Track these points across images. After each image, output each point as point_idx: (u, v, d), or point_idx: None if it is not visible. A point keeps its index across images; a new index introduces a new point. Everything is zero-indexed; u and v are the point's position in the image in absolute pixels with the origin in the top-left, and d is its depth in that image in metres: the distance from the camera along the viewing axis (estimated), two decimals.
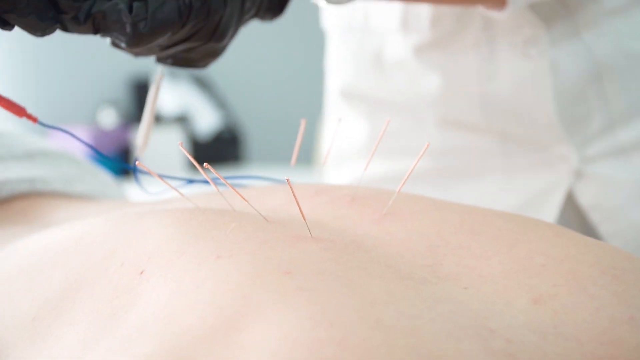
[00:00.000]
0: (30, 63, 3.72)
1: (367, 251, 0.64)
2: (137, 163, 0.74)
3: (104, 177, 1.23)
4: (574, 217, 1.24)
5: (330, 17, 1.37)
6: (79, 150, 3.35)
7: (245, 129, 4.03)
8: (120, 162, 3.64)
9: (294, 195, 0.64)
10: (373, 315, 0.53)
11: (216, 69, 4.14)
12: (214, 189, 0.76)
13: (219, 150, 3.86)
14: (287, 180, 0.64)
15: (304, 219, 0.65)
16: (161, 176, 0.74)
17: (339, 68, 1.36)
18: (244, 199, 0.68)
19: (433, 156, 1.28)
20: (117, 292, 0.63)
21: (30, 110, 0.79)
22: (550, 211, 1.21)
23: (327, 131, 1.51)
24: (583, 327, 0.56)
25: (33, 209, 1.01)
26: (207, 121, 3.87)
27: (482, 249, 0.64)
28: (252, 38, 4.23)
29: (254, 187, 0.84)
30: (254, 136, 4.10)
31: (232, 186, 0.71)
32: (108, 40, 0.77)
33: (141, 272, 0.63)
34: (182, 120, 3.83)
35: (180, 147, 0.69)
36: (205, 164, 0.67)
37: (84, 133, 3.53)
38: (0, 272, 0.77)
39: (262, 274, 0.58)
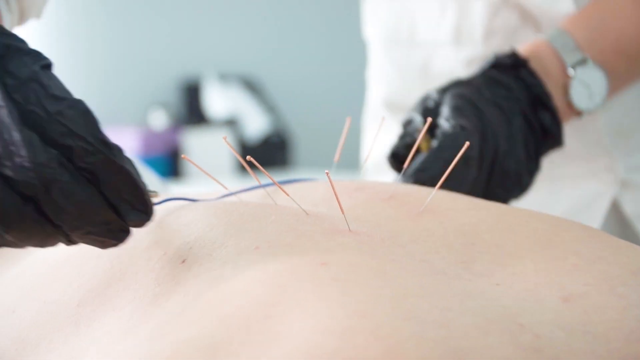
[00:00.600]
0: (81, 64, 3.77)
1: (403, 246, 0.65)
2: (182, 156, 0.76)
3: (150, 177, 1.25)
4: (619, 225, 1.25)
5: (373, 29, 1.39)
6: (128, 151, 3.39)
7: (294, 133, 4.05)
8: (170, 163, 3.68)
9: (333, 189, 0.66)
10: (405, 307, 0.54)
11: (266, 74, 4.17)
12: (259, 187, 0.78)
13: (267, 154, 3.88)
14: (327, 173, 0.66)
15: (342, 212, 0.67)
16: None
17: (382, 78, 1.38)
18: (284, 191, 0.70)
19: None
20: (159, 280, 0.65)
21: None
22: (594, 219, 1.22)
23: (366, 138, 1.52)
24: (611, 325, 0.57)
25: None
26: (256, 125, 3.89)
27: (516, 248, 0.66)
28: (301, 43, 4.25)
29: (297, 183, 0.86)
30: (302, 140, 4.12)
31: (275, 181, 0.73)
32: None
33: (183, 261, 0.65)
34: (231, 123, 3.86)
35: (225, 141, 0.71)
36: (248, 157, 0.69)
37: (134, 134, 3.57)
38: (47, 260, 0.79)
39: (299, 265, 0.60)
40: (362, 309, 0.54)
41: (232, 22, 4.20)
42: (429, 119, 0.85)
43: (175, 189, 1.60)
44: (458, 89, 1.02)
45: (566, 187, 1.25)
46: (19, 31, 0.93)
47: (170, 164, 3.71)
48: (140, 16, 4.04)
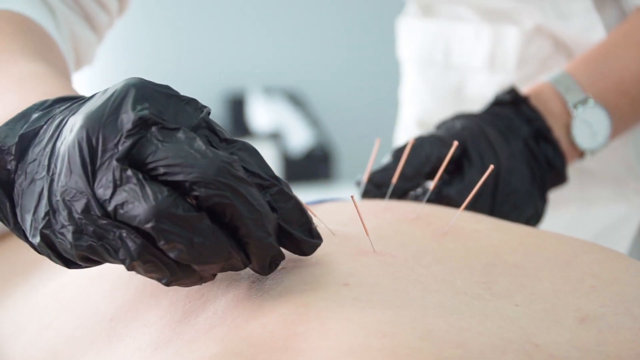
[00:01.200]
0: (126, 77, 3.82)
1: (427, 266, 0.67)
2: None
3: None
4: None
5: (408, 49, 1.40)
6: None
7: (337, 147, 4.07)
8: None
9: (358, 211, 0.68)
10: (423, 327, 0.56)
11: (310, 87, 4.20)
12: None
13: (310, 167, 3.90)
14: (352, 197, 0.68)
15: (367, 234, 0.69)
16: None
17: (415, 98, 1.40)
18: (311, 212, 0.72)
19: None
20: (189, 298, 0.67)
21: None
22: (623, 241, 1.24)
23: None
24: (625, 346, 0.58)
25: None
26: (299, 138, 3.91)
27: (536, 269, 0.67)
28: (344, 57, 4.27)
29: (327, 203, 0.88)
30: (345, 154, 4.13)
31: (303, 203, 0.75)
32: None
33: None
34: (275, 136, 3.88)
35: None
36: None
37: None
38: (84, 276, 0.82)
39: (323, 285, 0.62)
40: (382, 329, 0.56)
41: (277, 37, 4.23)
42: (455, 142, 0.87)
43: None
44: (458, 119, 1.04)
45: (596, 209, 1.27)
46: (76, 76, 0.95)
47: None
48: (186, 31, 4.09)
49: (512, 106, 1.05)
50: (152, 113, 0.60)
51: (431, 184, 0.90)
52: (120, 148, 0.59)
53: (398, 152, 0.99)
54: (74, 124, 0.61)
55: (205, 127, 0.62)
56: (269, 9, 4.20)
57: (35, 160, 0.64)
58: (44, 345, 0.75)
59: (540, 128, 1.03)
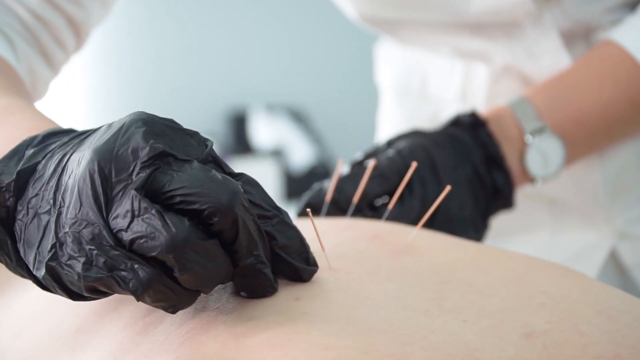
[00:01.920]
0: (130, 95, 3.84)
1: (380, 283, 0.69)
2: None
3: None
4: (617, 274, 1.28)
5: (386, 78, 1.42)
6: None
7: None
8: None
9: (315, 228, 0.70)
10: (366, 341, 0.58)
11: (312, 105, 4.22)
12: None
13: (311, 184, 3.90)
14: (309, 212, 0.70)
15: (323, 250, 0.70)
16: None
17: (391, 124, 1.41)
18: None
19: None
20: (149, 310, 0.69)
21: None
22: (592, 268, 1.25)
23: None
24: None
25: None
26: (301, 155, 3.93)
27: (487, 286, 0.69)
28: (347, 75, 4.29)
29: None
30: None
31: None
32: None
33: None
34: (277, 153, 3.90)
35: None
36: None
37: None
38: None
39: (275, 299, 0.64)
40: (325, 342, 0.57)
41: (280, 54, 4.25)
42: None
43: None
44: (413, 136, 1.05)
45: (566, 236, 1.28)
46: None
47: None
48: (188, 47, 4.11)
49: (470, 129, 1.06)
50: (165, 146, 0.61)
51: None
52: (135, 178, 0.60)
53: (354, 167, 1.01)
54: (82, 157, 0.62)
55: (211, 160, 0.64)
56: (272, 27, 4.23)
57: (37, 195, 0.64)
58: (15, 355, 0.76)
59: (494, 155, 1.05)
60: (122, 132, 0.62)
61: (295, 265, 0.66)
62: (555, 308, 0.65)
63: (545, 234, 1.29)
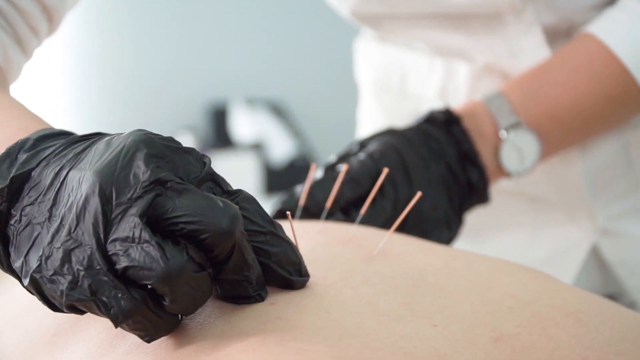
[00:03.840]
0: (109, 89, 3.84)
1: (354, 288, 0.70)
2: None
3: None
4: (599, 271, 1.28)
5: (365, 74, 1.42)
6: None
7: (319, 158, 4.10)
8: None
9: (293, 232, 0.71)
10: (338, 346, 0.59)
11: (292, 98, 4.22)
12: None
13: (292, 178, 3.91)
14: (289, 214, 0.71)
15: (296, 244, 0.72)
16: None
17: (371, 120, 1.41)
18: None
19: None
20: None
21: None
22: (573, 265, 1.26)
23: None
24: None
25: None
26: (281, 149, 3.94)
27: (458, 291, 0.70)
28: (327, 68, 4.30)
29: None
30: None
31: None
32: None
33: None
34: (257, 147, 3.90)
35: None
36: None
37: None
38: (28, 294, 0.85)
39: (252, 305, 0.65)
40: (296, 347, 0.59)
41: (260, 48, 4.25)
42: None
43: None
44: (385, 136, 1.05)
45: (548, 232, 1.28)
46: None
47: None
48: (168, 41, 4.11)
49: (444, 126, 1.07)
50: (165, 170, 0.62)
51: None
52: (136, 203, 0.60)
53: (327, 171, 1.02)
54: (82, 177, 0.62)
55: (210, 178, 0.65)
56: (252, 21, 4.23)
57: (33, 204, 0.65)
58: None
59: (468, 151, 1.06)
60: (123, 154, 0.62)
61: (286, 277, 0.67)
62: (523, 311, 0.67)
63: (527, 230, 1.29)
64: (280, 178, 3.83)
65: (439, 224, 1.03)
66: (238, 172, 3.70)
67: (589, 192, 1.25)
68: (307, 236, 0.79)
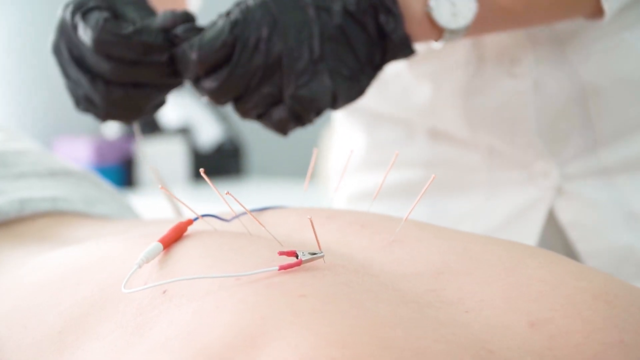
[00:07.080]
0: (34, 72, 3.76)
1: (376, 276, 0.68)
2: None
3: (121, 199, 1.27)
4: (556, 234, 1.27)
5: None
6: (82, 160, 3.38)
7: (247, 142, 4.07)
8: (124, 172, 3.66)
9: (312, 226, 0.68)
10: (382, 336, 0.57)
11: None
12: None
13: (220, 162, 3.89)
14: (310, 219, 0.68)
15: (319, 248, 0.69)
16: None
17: None
18: (260, 223, 0.72)
19: (424, 168, 1.32)
20: (140, 310, 0.67)
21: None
22: (532, 227, 1.25)
23: (334, 144, 1.54)
24: (576, 349, 0.60)
25: (54, 228, 1.05)
26: (209, 133, 3.90)
27: (483, 276, 0.68)
28: None
29: (268, 210, 0.87)
30: (255, 149, 4.13)
31: (250, 212, 0.75)
32: None
33: (164, 292, 0.67)
34: (184, 132, 3.86)
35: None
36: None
37: (87, 143, 3.56)
38: (23, 287, 0.81)
39: (278, 296, 0.62)
40: (342, 340, 0.56)
41: None
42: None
43: (129, 198, 1.57)
44: None
45: (505, 193, 1.27)
46: None
47: (124, 174, 3.69)
48: None
49: None
50: None
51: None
52: None
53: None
54: None
55: None
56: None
57: None
58: None
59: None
60: None
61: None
62: (554, 295, 0.65)
63: (483, 192, 1.28)
64: (208, 162, 3.80)
65: (311, 74, 0.95)
66: (166, 157, 3.65)
67: (544, 145, 1.23)
68: (316, 222, 0.77)
